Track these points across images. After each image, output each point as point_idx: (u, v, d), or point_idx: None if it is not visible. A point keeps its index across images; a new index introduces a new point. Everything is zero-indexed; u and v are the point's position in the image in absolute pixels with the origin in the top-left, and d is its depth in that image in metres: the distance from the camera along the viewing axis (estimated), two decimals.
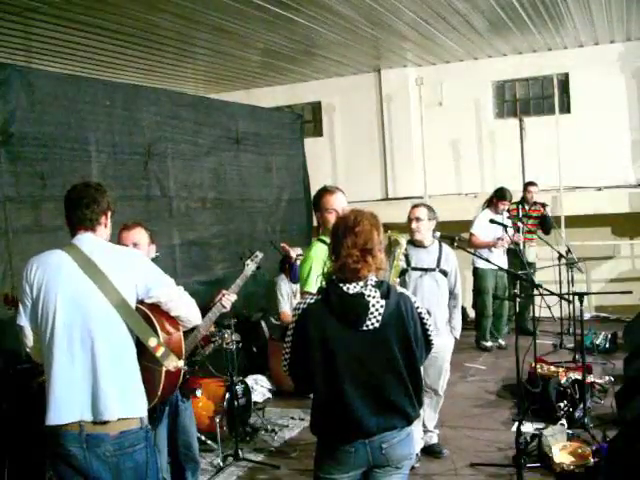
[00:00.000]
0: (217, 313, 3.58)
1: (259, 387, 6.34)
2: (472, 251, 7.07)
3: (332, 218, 3.62)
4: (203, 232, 6.95)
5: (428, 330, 2.63)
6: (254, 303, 7.48)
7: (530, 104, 9.67)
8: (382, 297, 2.44)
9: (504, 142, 9.38)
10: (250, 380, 6.17)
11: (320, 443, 2.62)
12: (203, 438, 4.97)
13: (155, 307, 2.76)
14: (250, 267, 3.85)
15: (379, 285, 2.46)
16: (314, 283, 3.55)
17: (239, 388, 5.23)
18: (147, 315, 2.72)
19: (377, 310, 2.42)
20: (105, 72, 8.34)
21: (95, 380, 2.53)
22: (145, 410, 2.64)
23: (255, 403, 5.73)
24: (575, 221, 8.75)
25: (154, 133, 6.25)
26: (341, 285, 2.44)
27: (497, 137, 9.58)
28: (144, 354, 2.67)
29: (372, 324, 2.42)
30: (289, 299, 6.63)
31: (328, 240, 3.65)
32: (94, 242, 2.69)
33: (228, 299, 3.59)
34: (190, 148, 6.79)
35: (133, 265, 2.69)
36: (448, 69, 9.71)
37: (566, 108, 9.22)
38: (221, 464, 4.72)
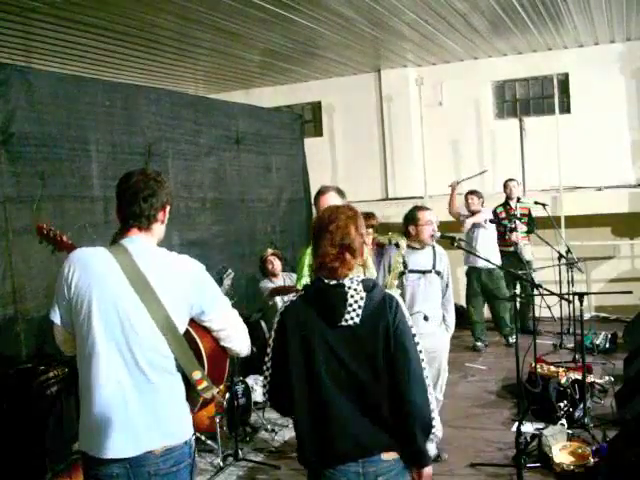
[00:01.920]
0: None
1: (259, 387, 6.33)
2: (470, 250, 7.10)
3: None
4: (203, 232, 6.95)
5: (418, 346, 2.34)
6: (254, 303, 7.48)
7: (530, 104, 9.67)
8: (364, 290, 2.26)
9: (504, 142, 9.38)
10: (250, 380, 6.16)
11: (310, 472, 2.38)
12: (203, 438, 4.98)
13: (203, 332, 2.45)
14: (226, 281, 4.18)
15: (364, 280, 2.30)
16: (306, 281, 3.59)
17: (239, 388, 5.23)
18: (194, 339, 2.41)
19: (357, 302, 2.23)
20: (105, 72, 8.34)
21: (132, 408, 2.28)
22: (189, 432, 2.44)
23: (255, 403, 5.73)
24: (575, 221, 8.75)
25: (154, 133, 6.25)
26: (324, 279, 2.30)
27: (497, 137, 9.58)
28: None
29: (351, 318, 2.23)
30: (281, 299, 6.61)
31: None
32: (149, 248, 2.38)
33: None
34: (190, 148, 6.79)
35: (190, 281, 2.36)
36: (448, 69, 9.71)
37: (566, 108, 9.22)
38: (221, 464, 4.72)
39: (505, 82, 9.71)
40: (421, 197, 9.38)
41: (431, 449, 4.43)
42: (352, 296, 2.25)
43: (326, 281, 2.29)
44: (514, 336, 7.66)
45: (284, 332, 2.34)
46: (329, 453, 2.27)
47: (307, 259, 3.60)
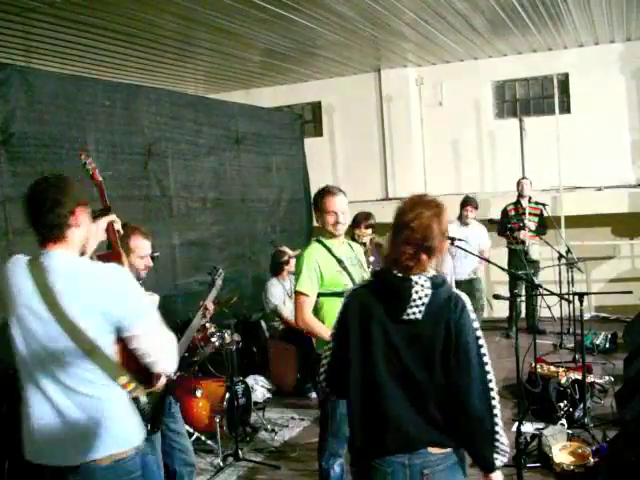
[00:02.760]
0: (199, 321, 3.89)
1: (259, 387, 6.33)
2: (470, 251, 7.07)
3: (331, 220, 3.63)
4: (203, 232, 6.95)
5: (481, 350, 2.24)
6: (254, 303, 7.48)
7: (530, 104, 9.67)
8: (431, 287, 2.20)
9: (504, 142, 9.38)
10: (250, 380, 6.17)
11: (355, 466, 2.38)
12: (203, 438, 4.98)
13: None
14: (218, 282, 4.22)
15: (433, 277, 2.24)
16: (306, 283, 3.57)
17: (239, 388, 5.23)
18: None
19: (421, 299, 2.18)
20: (105, 72, 8.34)
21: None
22: (135, 440, 2.37)
23: (255, 403, 5.73)
24: (575, 221, 8.74)
25: (154, 133, 6.25)
26: (394, 271, 2.26)
27: (497, 137, 9.58)
28: None
29: (413, 313, 2.19)
30: (284, 301, 6.61)
31: (326, 241, 3.68)
32: (64, 264, 2.27)
33: (209, 307, 3.92)
34: (190, 148, 6.79)
35: (110, 294, 2.25)
36: (448, 69, 9.71)
37: (566, 108, 9.22)
38: (221, 464, 4.72)
39: (505, 82, 9.71)
40: None
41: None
42: (417, 292, 2.20)
43: (394, 272, 2.25)
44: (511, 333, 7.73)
45: (346, 317, 2.34)
46: (377, 444, 2.25)
47: (306, 265, 3.57)
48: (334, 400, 3.48)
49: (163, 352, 2.38)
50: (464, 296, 2.30)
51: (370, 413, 2.27)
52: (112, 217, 2.70)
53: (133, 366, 2.36)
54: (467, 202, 7.56)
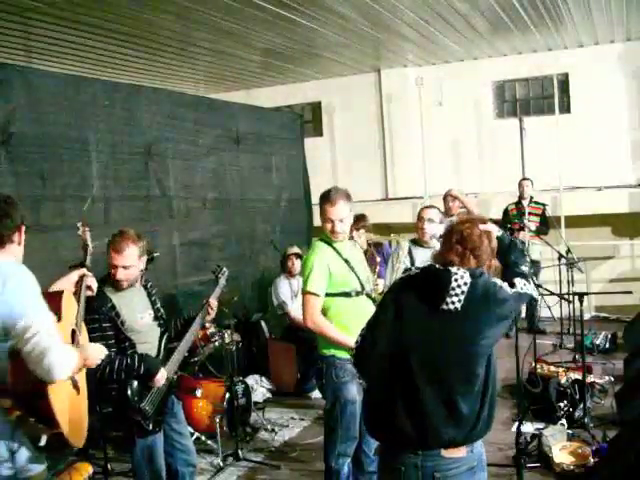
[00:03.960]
0: (203, 317, 3.82)
1: (259, 387, 6.34)
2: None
3: (329, 227, 3.61)
4: (203, 232, 6.94)
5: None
6: (254, 303, 7.48)
7: (530, 104, 9.67)
8: (470, 277, 2.24)
9: (504, 142, 9.38)
10: (250, 380, 6.17)
11: (380, 454, 2.46)
12: (203, 438, 4.98)
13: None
14: (222, 280, 4.16)
15: (473, 269, 2.29)
16: (316, 283, 3.54)
17: (239, 388, 5.22)
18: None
19: (460, 287, 2.21)
20: (105, 72, 8.34)
21: None
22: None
23: (255, 403, 5.73)
24: (575, 221, 8.75)
25: (154, 133, 6.24)
26: (436, 265, 2.33)
27: (497, 137, 9.58)
28: None
29: (452, 303, 2.21)
30: (291, 299, 6.63)
31: (332, 241, 3.63)
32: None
33: (213, 304, 3.83)
34: (190, 148, 6.78)
35: (4, 298, 2.24)
36: (448, 69, 9.71)
37: (566, 108, 9.22)
38: (221, 464, 4.72)
39: (505, 82, 9.72)
40: (421, 197, 9.37)
41: None
42: (456, 280, 2.22)
43: (437, 266, 2.32)
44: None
45: (386, 304, 2.39)
46: (394, 435, 2.28)
47: (316, 265, 3.52)
48: (344, 402, 3.49)
49: (40, 361, 2.23)
50: (501, 283, 2.32)
51: (393, 403, 2.27)
52: (84, 271, 2.85)
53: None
54: (447, 193, 7.21)
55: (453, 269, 2.26)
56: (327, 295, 3.56)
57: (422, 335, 2.26)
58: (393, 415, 2.27)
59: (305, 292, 3.56)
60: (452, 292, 2.21)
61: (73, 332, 2.65)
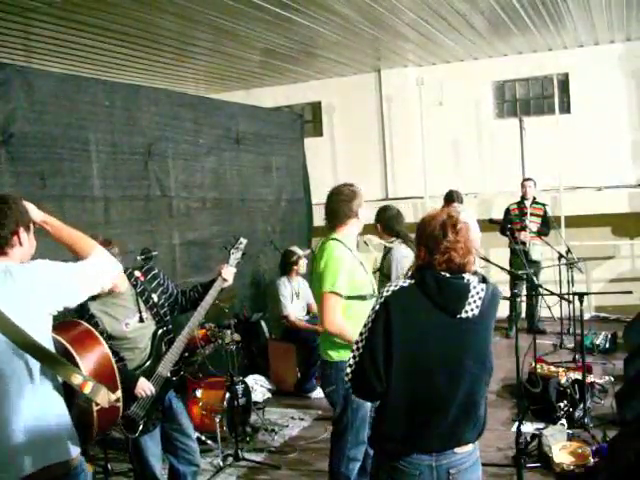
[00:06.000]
0: (219, 287, 3.71)
1: (259, 387, 6.34)
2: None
3: (358, 226, 3.62)
4: (203, 232, 6.94)
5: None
6: (254, 303, 7.48)
7: (530, 104, 9.67)
8: (480, 282, 2.28)
9: (504, 142, 9.38)
10: (250, 380, 6.17)
11: (382, 460, 2.37)
12: (203, 438, 4.98)
13: (77, 336, 2.52)
14: (240, 247, 4.01)
15: (477, 274, 2.32)
16: (340, 283, 3.37)
17: (239, 388, 5.23)
18: (65, 348, 2.41)
19: (477, 294, 2.24)
20: (105, 72, 8.34)
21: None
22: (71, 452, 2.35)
23: (255, 403, 5.73)
24: (575, 221, 8.75)
25: (154, 133, 6.24)
26: (442, 272, 2.26)
27: (497, 137, 9.58)
28: (76, 392, 2.28)
29: (471, 309, 2.23)
30: (292, 300, 6.62)
31: (342, 239, 3.53)
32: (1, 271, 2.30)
33: (229, 271, 3.74)
34: (190, 148, 6.78)
35: (40, 287, 2.27)
36: (448, 69, 9.71)
37: (566, 108, 9.22)
38: (221, 464, 4.72)
39: (505, 82, 9.71)
40: (421, 197, 9.38)
41: None
42: (474, 287, 2.25)
43: (443, 274, 2.25)
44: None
45: (389, 316, 2.24)
46: (413, 442, 2.27)
47: (342, 266, 3.40)
48: (355, 407, 3.41)
49: (101, 279, 2.47)
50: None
51: (413, 413, 2.26)
52: None
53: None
54: (451, 198, 7.25)
55: (466, 276, 2.27)
56: (346, 298, 3.43)
57: (443, 347, 2.24)
58: (421, 421, 2.25)
59: (326, 292, 3.38)
60: (471, 299, 2.24)
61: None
